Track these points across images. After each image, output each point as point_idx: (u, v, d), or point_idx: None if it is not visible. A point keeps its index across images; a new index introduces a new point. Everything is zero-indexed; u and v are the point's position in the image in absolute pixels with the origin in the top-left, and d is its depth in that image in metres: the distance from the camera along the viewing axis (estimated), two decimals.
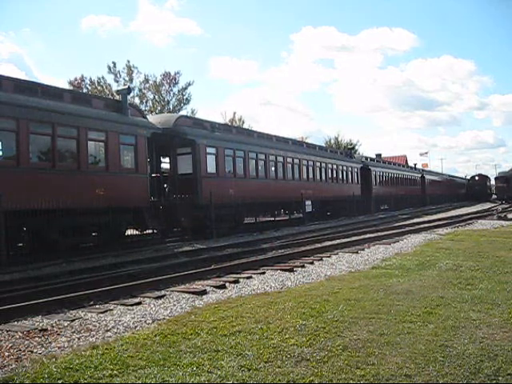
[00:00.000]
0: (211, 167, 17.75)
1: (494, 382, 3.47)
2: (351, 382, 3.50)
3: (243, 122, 44.93)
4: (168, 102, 36.84)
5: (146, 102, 36.36)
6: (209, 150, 17.67)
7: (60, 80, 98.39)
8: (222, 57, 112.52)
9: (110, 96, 30.10)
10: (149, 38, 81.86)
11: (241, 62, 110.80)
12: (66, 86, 32.07)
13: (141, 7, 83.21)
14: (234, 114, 45.06)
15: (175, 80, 36.82)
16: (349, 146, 45.48)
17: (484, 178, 66.66)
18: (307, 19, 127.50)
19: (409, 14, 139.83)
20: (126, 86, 20.85)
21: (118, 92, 17.68)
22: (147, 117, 17.12)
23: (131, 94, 30.56)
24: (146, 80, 36.01)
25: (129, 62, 35.40)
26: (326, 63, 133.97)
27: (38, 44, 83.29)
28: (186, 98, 37.54)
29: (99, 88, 34.41)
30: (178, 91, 37.11)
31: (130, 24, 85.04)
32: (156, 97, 36.58)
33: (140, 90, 35.76)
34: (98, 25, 76.12)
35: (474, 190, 63.07)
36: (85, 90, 33.43)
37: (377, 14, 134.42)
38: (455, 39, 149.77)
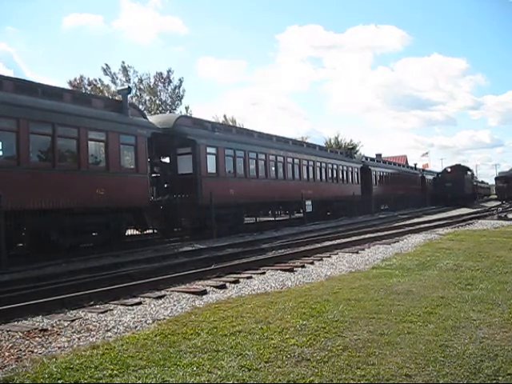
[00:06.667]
0: (211, 167, 17.76)
1: (494, 382, 3.47)
2: (351, 381, 3.49)
3: (235, 123, 45.00)
4: (164, 101, 36.87)
5: (145, 102, 36.40)
6: (209, 149, 17.69)
7: (50, 79, 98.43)
8: (209, 56, 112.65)
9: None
10: (134, 37, 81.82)
11: (228, 62, 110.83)
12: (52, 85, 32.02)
13: (123, 6, 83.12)
14: (225, 116, 45.19)
15: (169, 79, 36.90)
16: (349, 146, 45.49)
17: (460, 170, 46.68)
18: (293, 18, 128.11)
19: (396, 11, 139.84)
20: (126, 86, 20.87)
21: (118, 92, 17.68)
22: (147, 117, 17.12)
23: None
24: (141, 80, 36.09)
25: (123, 62, 35.53)
26: (314, 62, 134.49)
27: (23, 42, 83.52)
28: (181, 95, 37.66)
29: (100, 88, 34.45)
30: (172, 90, 37.18)
31: (114, 22, 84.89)
32: (152, 98, 36.61)
33: (136, 90, 35.80)
34: (81, 24, 75.95)
35: (443, 188, 44.08)
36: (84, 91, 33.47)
37: (362, 11, 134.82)
38: (445, 36, 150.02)
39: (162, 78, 36.74)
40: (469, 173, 48.21)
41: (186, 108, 38.07)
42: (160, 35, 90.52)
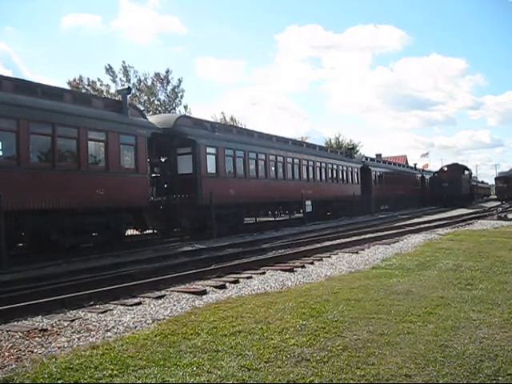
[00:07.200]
0: (211, 167, 17.76)
1: (494, 382, 3.47)
2: (351, 382, 3.49)
3: (235, 122, 45.02)
4: (163, 101, 36.87)
5: (144, 103, 36.41)
6: (209, 150, 17.69)
7: (49, 79, 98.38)
8: (208, 56, 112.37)
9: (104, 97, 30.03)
10: (132, 37, 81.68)
11: (228, 62, 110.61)
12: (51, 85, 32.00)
13: (121, 5, 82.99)
14: (223, 113, 45.21)
15: (167, 79, 36.91)
16: (349, 146, 45.48)
17: (457, 169, 44.38)
18: (292, 18, 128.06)
19: (395, 11, 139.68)
20: (126, 86, 20.87)
21: (117, 92, 17.68)
22: (147, 117, 17.12)
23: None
24: (140, 81, 36.11)
25: (124, 62, 35.60)
26: (313, 62, 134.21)
27: (22, 42, 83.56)
28: (181, 95, 37.67)
29: (100, 88, 34.47)
30: (171, 90, 37.18)
31: (112, 22, 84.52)
32: (150, 98, 36.61)
33: (136, 91, 35.79)
34: (80, 24, 75.85)
35: (440, 188, 41.57)
36: (83, 91, 33.49)
37: (361, 11, 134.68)
38: (444, 36, 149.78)
39: (161, 78, 36.77)
40: (466, 172, 45.87)
41: (185, 107, 38.14)
42: (159, 35, 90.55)
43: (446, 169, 44.99)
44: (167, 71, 36.98)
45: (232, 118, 44.98)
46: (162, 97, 37.03)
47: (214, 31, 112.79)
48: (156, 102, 36.60)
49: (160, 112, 33.24)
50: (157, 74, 36.59)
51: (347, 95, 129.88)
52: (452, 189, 40.40)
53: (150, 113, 32.55)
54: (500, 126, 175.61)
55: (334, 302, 5.89)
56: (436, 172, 47.06)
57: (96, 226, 13.71)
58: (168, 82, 36.96)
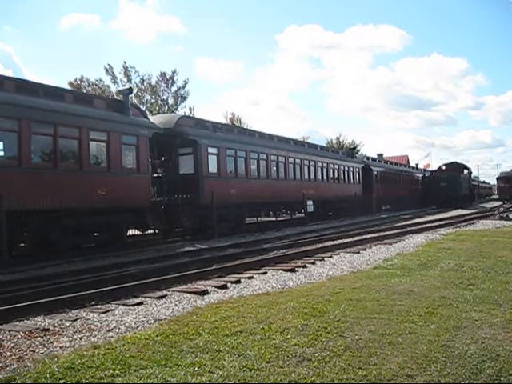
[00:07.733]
0: (213, 167, 17.76)
1: (496, 382, 3.46)
2: (353, 382, 3.49)
3: (240, 122, 45.15)
4: (167, 101, 36.87)
5: (147, 103, 36.42)
6: (210, 150, 17.68)
7: (49, 79, 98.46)
8: (207, 56, 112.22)
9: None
10: (132, 37, 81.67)
11: (227, 62, 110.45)
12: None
13: (121, 5, 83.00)
14: (229, 113, 45.42)
15: (172, 79, 36.90)
16: (350, 146, 45.42)
17: (456, 168, 41.95)
18: (291, 18, 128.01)
19: (395, 10, 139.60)
20: (127, 87, 20.88)
21: (119, 92, 17.70)
22: (149, 117, 17.13)
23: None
24: (142, 80, 36.13)
25: (125, 62, 35.64)
26: (313, 62, 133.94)
27: (22, 42, 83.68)
28: (184, 96, 37.68)
29: (102, 88, 34.51)
30: (176, 90, 37.18)
31: (112, 22, 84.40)
32: (153, 97, 36.63)
33: (138, 90, 35.81)
34: (80, 23, 75.93)
35: (438, 188, 39.28)
36: (84, 91, 33.53)
37: (361, 11, 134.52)
38: (445, 36, 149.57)
39: (166, 78, 36.77)
40: (466, 171, 43.45)
41: (191, 109, 38.18)
42: (159, 35, 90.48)
43: (444, 167, 42.63)
44: (174, 71, 37.00)
45: (238, 119, 45.19)
46: (165, 97, 37.07)
47: (214, 31, 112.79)
48: (160, 103, 36.60)
49: (164, 113, 33.29)
50: (162, 74, 36.62)
51: (347, 95, 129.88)
52: (451, 189, 38.56)
53: (153, 113, 32.58)
54: (501, 125, 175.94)
55: (335, 302, 5.89)
56: (434, 171, 44.86)
57: (97, 226, 13.72)
58: (173, 83, 36.98)
